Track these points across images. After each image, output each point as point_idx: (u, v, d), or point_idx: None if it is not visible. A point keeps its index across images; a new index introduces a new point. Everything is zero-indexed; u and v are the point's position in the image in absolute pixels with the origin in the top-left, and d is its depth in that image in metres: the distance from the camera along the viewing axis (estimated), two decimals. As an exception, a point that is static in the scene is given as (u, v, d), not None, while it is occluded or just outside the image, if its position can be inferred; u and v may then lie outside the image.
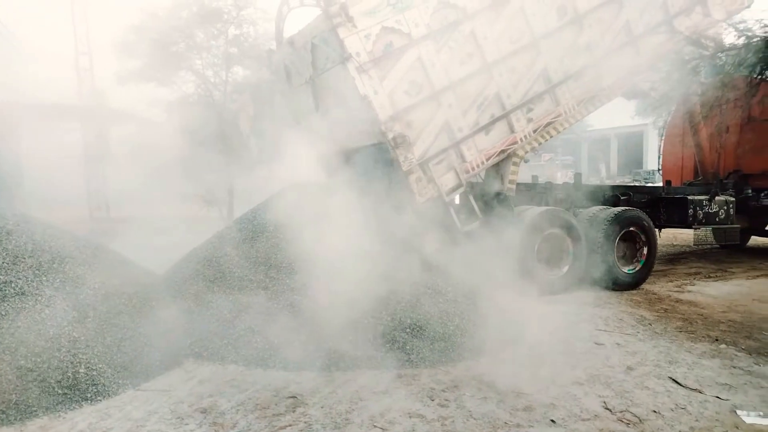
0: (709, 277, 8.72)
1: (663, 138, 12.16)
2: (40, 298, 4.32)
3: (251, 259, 5.59)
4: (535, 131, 7.26)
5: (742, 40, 6.10)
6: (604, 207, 8.12)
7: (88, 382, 4.06)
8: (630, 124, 44.44)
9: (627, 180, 36.17)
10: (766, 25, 5.94)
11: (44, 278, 4.49)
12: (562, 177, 27.42)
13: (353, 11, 5.97)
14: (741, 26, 6.09)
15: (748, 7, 8.78)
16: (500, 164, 7.23)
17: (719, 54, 6.45)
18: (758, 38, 6.01)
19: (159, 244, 7.31)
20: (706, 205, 9.01)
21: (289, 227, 5.93)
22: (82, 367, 4.12)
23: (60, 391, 3.93)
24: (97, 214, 14.90)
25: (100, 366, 4.21)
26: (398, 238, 5.76)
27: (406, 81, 6.36)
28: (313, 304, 5.00)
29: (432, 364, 4.71)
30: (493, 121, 6.97)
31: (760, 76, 6.16)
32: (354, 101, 6.39)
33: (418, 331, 4.93)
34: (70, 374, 4.03)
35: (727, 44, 6.30)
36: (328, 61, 6.48)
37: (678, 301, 7.08)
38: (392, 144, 6.24)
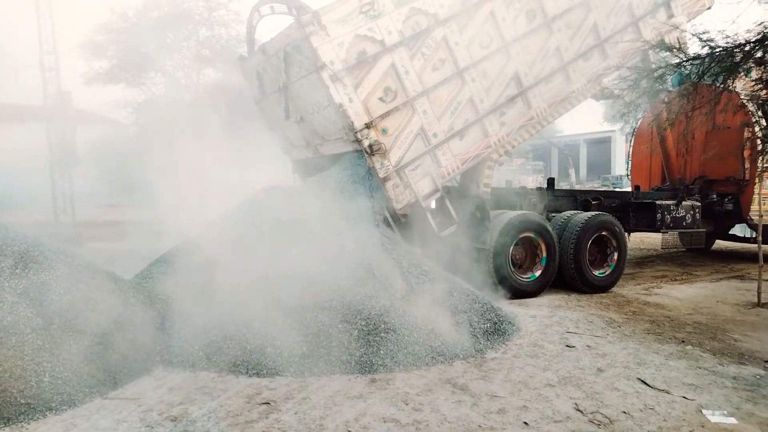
0: (675, 280, 8.95)
1: (631, 144, 12.47)
2: (2, 305, 4.17)
3: (223, 264, 5.50)
4: (508, 135, 7.37)
5: (705, 50, 6.30)
6: (576, 211, 8.27)
7: (52, 392, 3.93)
8: (598, 130, 45.50)
9: (596, 185, 36.96)
10: (727, 36, 6.14)
11: (6, 284, 4.34)
12: (532, 182, 27.84)
13: (326, 19, 5.97)
14: (704, 36, 6.29)
15: (709, 8, 9.09)
16: (475, 168, 7.30)
17: (684, 63, 6.64)
18: (720, 48, 6.20)
19: (126, 249, 7.16)
20: (673, 210, 9.26)
21: (262, 230, 5.87)
22: (47, 375, 3.99)
23: (23, 401, 3.79)
24: (63, 217, 14.49)
25: (66, 374, 4.09)
26: (371, 243, 5.75)
27: (381, 88, 6.39)
28: (286, 309, 4.95)
29: (406, 368, 4.71)
30: (467, 126, 7.05)
31: (722, 86, 6.37)
32: (328, 109, 6.38)
33: (391, 335, 4.93)
34: (33, 383, 3.90)
35: (691, 54, 6.50)
36: (302, 69, 6.47)
37: (646, 303, 7.24)
38: (368, 151, 6.27)
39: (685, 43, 8.10)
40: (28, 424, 3.70)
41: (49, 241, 5.46)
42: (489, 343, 5.31)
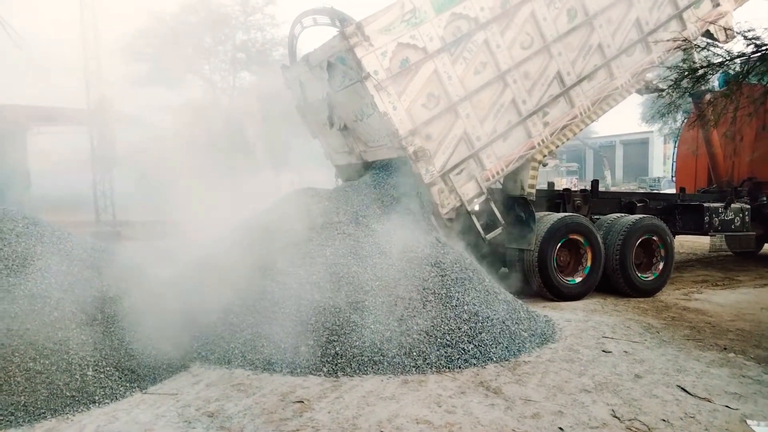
0: (716, 285, 8.68)
1: (676, 145, 12.22)
2: (49, 300, 4.33)
3: (257, 263, 5.60)
4: (551, 134, 7.30)
5: (750, 49, 6.10)
6: (622, 214, 8.14)
7: (96, 385, 4.07)
8: (635, 131, 44.52)
9: (632, 186, 36.15)
10: (774, 34, 5.93)
11: (53, 281, 4.50)
12: (566, 184, 27.41)
13: (369, 30, 6.03)
14: (749, 34, 6.09)
15: None
16: (519, 170, 7.26)
17: (727, 62, 6.45)
18: (767, 46, 6.00)
19: (164, 248, 7.33)
20: (721, 213, 9.01)
21: (294, 231, 5.95)
22: (90, 369, 4.13)
23: (68, 394, 3.94)
24: (104, 216, 14.96)
25: (108, 369, 4.23)
26: (408, 245, 5.75)
27: (424, 94, 6.43)
28: (320, 309, 5.00)
29: (438, 369, 4.70)
30: (511, 128, 7.02)
31: (768, 85, 6.16)
32: (373, 117, 6.46)
33: (424, 336, 4.93)
34: (78, 377, 4.04)
35: (736, 52, 6.31)
36: (346, 79, 6.56)
37: (685, 309, 7.05)
38: (413, 158, 6.32)
39: (732, 30, 7.87)
40: (73, 415, 3.84)
41: (91, 239, 5.66)
42: (523, 346, 5.25)
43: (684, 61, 8.00)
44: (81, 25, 14.77)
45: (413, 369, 4.67)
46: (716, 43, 8.19)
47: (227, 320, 5.13)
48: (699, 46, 7.69)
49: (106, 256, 5.25)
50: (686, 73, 6.75)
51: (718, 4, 8.38)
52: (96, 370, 4.14)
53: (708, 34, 8.36)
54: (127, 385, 4.24)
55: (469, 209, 6.73)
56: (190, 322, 5.14)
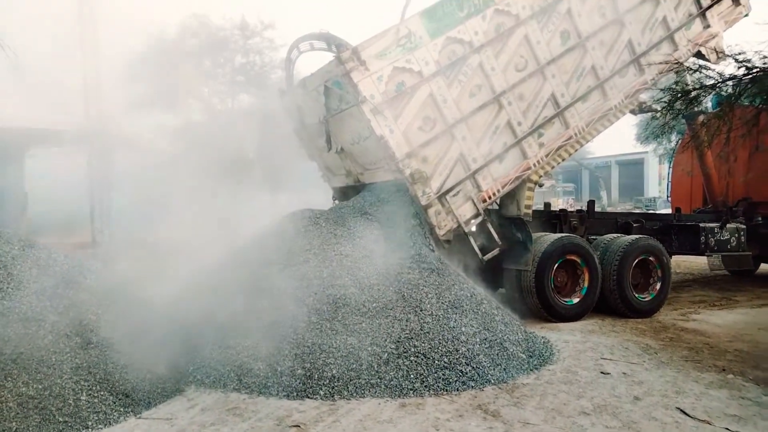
0: (714, 305, 8.66)
1: (671, 166, 12.30)
2: (43, 323, 4.30)
3: (254, 286, 5.58)
4: (547, 155, 7.36)
5: (741, 71, 6.19)
6: (618, 234, 8.16)
7: (89, 410, 4.02)
8: (630, 151, 44.83)
9: (628, 207, 36.27)
10: (765, 57, 6.04)
11: (48, 303, 4.48)
12: (563, 204, 27.49)
13: (365, 55, 6.12)
14: (740, 57, 6.19)
15: (747, 15, 8.94)
16: (515, 191, 7.29)
17: (719, 84, 6.54)
18: (757, 69, 6.09)
19: (161, 270, 7.31)
20: (717, 233, 9.04)
21: (291, 252, 5.94)
22: (84, 394, 4.09)
23: (61, 419, 3.88)
24: (100, 238, 14.91)
25: (102, 393, 4.18)
26: (406, 266, 5.75)
27: (420, 118, 6.49)
28: (317, 331, 4.97)
29: (436, 392, 4.66)
30: (506, 149, 7.07)
31: (762, 106, 6.23)
32: (369, 140, 6.51)
33: (422, 358, 4.89)
34: (71, 402, 3.99)
35: (728, 74, 6.41)
36: (342, 103, 6.64)
37: (683, 329, 7.03)
38: (410, 180, 6.36)
39: (723, 52, 7.99)
40: (66, 441, 3.78)
41: (87, 261, 5.64)
42: (521, 368, 5.22)
43: (677, 83, 8.12)
44: (80, 47, 14.89)
45: (411, 392, 4.63)
46: (708, 64, 8.31)
47: (223, 343, 5.09)
48: (691, 69, 7.80)
49: (102, 279, 5.24)
50: (679, 94, 6.84)
51: (708, 26, 8.52)
52: (90, 394, 4.09)
53: (699, 54, 8.50)
54: (121, 410, 4.18)
55: (466, 230, 6.74)
56: (186, 345, 5.10)
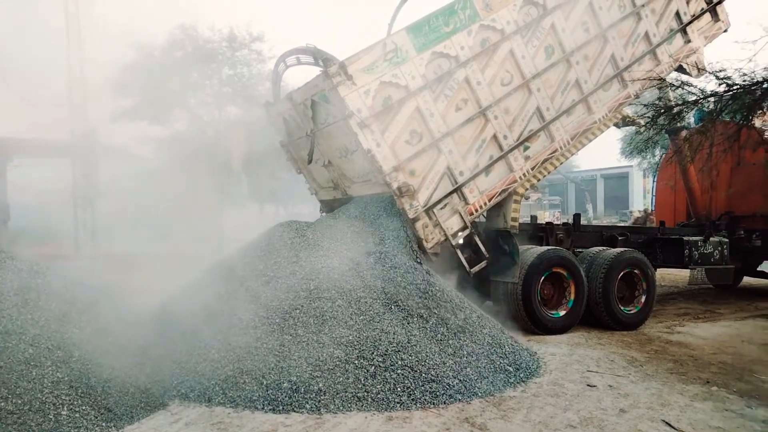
0: (698, 318, 8.75)
1: (654, 180, 12.46)
2: (24, 337, 4.23)
3: (240, 298, 5.54)
4: (533, 168, 7.45)
5: (722, 88, 6.33)
6: (604, 248, 8.23)
7: (70, 425, 3.94)
8: (615, 165, 45.39)
9: (614, 220, 36.63)
10: (744, 74, 6.18)
11: (29, 316, 4.40)
12: (549, 217, 27.70)
13: (352, 69, 6.16)
14: (721, 74, 6.33)
15: (726, 31, 9.17)
16: (502, 203, 7.37)
17: (701, 100, 6.68)
18: (738, 86, 6.23)
19: (145, 282, 7.23)
20: (701, 246, 9.15)
21: (277, 264, 5.91)
22: (65, 409, 4.00)
23: (40, 435, 3.80)
24: (84, 250, 14.71)
25: (84, 408, 4.10)
26: (393, 279, 5.74)
27: (407, 131, 6.54)
28: (303, 344, 4.93)
29: (423, 405, 4.64)
30: (493, 162, 7.15)
31: (742, 122, 6.37)
32: (356, 154, 6.54)
33: (409, 371, 4.87)
34: (51, 416, 3.91)
35: (709, 91, 6.54)
36: (329, 116, 6.67)
37: (668, 342, 7.08)
38: (397, 193, 6.38)
39: (703, 68, 8.17)
40: (45, 458, 3.70)
41: (70, 274, 5.56)
42: (508, 381, 5.21)
43: (660, 98, 8.27)
44: (67, 56, 14.81)
45: (398, 405, 4.60)
46: (690, 79, 8.49)
47: (208, 356, 5.03)
48: (674, 85, 7.95)
49: (84, 291, 5.16)
50: (662, 110, 6.96)
51: (689, 41, 8.72)
52: (71, 409, 4.01)
53: (681, 69, 8.68)
54: (103, 425, 4.10)
55: (453, 243, 6.77)
56: (170, 359, 5.03)
